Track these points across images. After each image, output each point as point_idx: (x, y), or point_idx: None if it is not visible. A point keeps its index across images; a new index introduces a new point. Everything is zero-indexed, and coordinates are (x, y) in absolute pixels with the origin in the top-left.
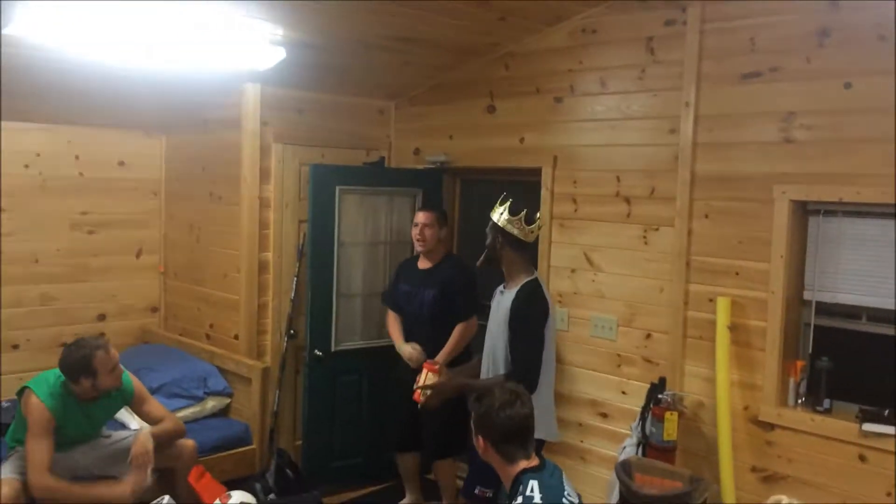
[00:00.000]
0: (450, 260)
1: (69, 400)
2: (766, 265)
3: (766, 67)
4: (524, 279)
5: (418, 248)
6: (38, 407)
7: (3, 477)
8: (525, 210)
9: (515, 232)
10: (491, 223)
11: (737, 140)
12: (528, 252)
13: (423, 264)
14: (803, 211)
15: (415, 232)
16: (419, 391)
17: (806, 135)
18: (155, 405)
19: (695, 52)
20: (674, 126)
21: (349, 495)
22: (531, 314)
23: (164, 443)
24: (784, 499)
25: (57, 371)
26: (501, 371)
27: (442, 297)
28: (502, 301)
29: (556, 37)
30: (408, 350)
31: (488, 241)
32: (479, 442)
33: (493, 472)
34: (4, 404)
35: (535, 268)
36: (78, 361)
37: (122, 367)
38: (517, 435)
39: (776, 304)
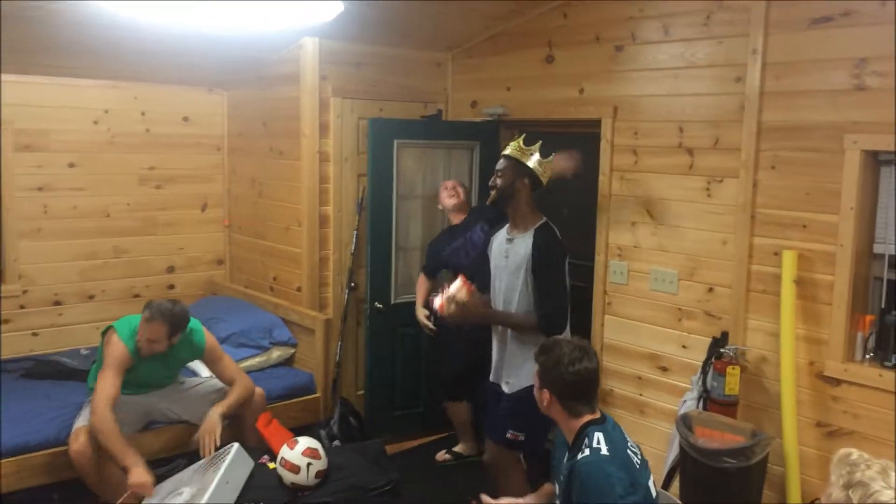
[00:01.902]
0: (474, 212)
1: None
2: (834, 217)
3: (838, 12)
4: (536, 222)
5: (448, 204)
6: (117, 345)
7: (83, 424)
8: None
9: (543, 175)
10: (513, 162)
11: (806, 88)
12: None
13: (455, 220)
14: (875, 161)
15: (444, 194)
16: (445, 301)
17: (879, 81)
18: (228, 365)
19: None
20: (740, 74)
21: (410, 444)
22: (557, 259)
23: (234, 411)
24: (854, 452)
25: (140, 316)
26: None
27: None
28: (516, 246)
29: None
30: (422, 315)
31: (503, 181)
32: (545, 395)
33: (525, 417)
34: (83, 351)
35: None
36: (146, 305)
37: (159, 348)
38: (585, 390)
39: (845, 257)
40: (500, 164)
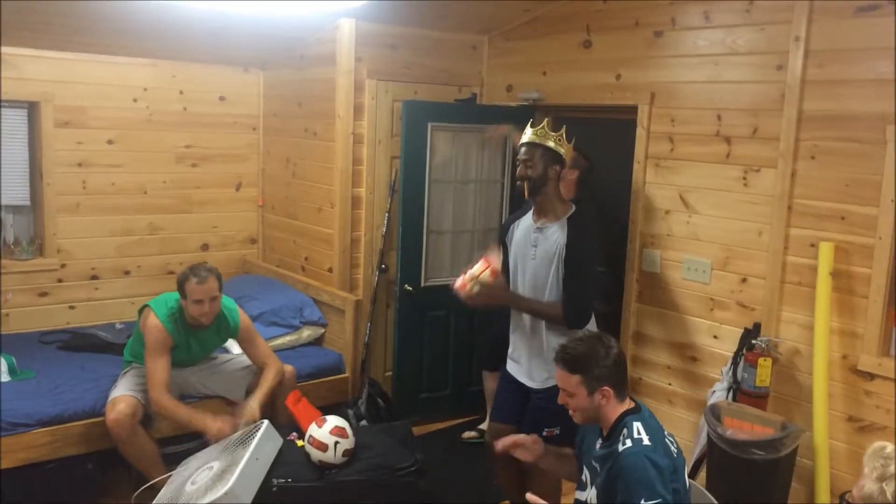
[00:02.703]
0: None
1: (184, 324)
2: (874, 210)
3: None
4: (568, 210)
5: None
6: (156, 327)
7: (120, 394)
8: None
9: (567, 158)
10: (541, 149)
11: (849, 77)
12: None
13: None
14: None
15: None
16: (468, 282)
17: None
18: (260, 347)
19: None
20: (781, 62)
21: (437, 426)
22: (592, 252)
23: (270, 397)
24: (889, 445)
25: (176, 295)
26: None
27: None
28: (546, 235)
29: None
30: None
31: (535, 171)
32: (604, 393)
33: (555, 412)
34: (118, 325)
35: None
36: (180, 279)
37: (217, 305)
38: (624, 370)
39: (883, 250)
40: (526, 152)
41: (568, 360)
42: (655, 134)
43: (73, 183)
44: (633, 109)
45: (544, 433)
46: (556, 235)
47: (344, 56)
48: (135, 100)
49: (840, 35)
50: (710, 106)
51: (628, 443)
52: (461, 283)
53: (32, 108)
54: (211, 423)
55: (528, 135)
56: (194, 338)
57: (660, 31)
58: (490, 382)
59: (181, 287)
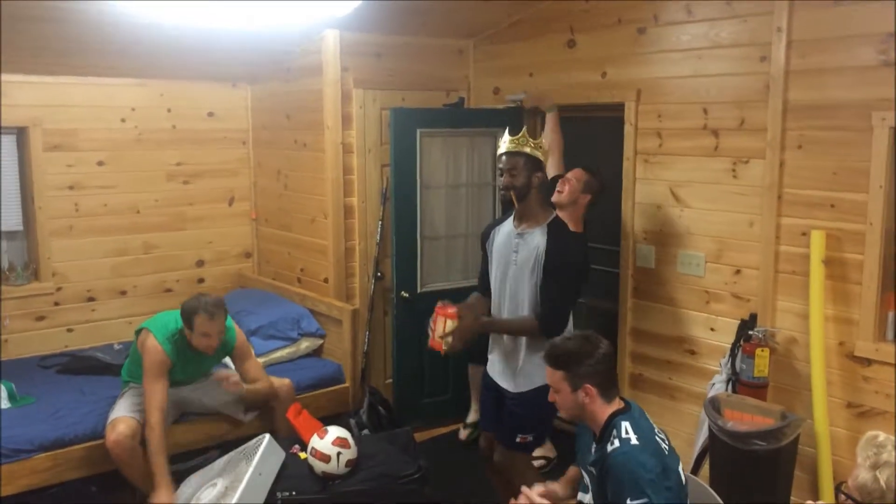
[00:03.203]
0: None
1: (183, 345)
2: (863, 196)
3: None
4: (547, 217)
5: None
6: (155, 349)
7: (119, 416)
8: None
9: (545, 161)
10: (523, 158)
11: (832, 65)
12: None
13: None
14: None
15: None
16: (440, 342)
17: None
18: (253, 365)
19: None
20: (764, 53)
21: (439, 431)
22: (570, 259)
23: (251, 399)
24: (881, 434)
25: (175, 315)
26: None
27: None
28: (527, 241)
29: None
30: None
31: (519, 180)
32: (587, 391)
33: (532, 418)
34: (116, 346)
35: None
36: (187, 311)
37: (217, 339)
38: (612, 371)
39: (874, 236)
40: (509, 161)
41: (553, 356)
42: (643, 130)
43: (65, 206)
44: (620, 107)
45: (518, 439)
46: (536, 241)
47: (330, 67)
48: (123, 120)
49: (821, 24)
50: (697, 100)
51: (616, 443)
52: (435, 345)
53: (21, 134)
54: (160, 495)
55: (508, 143)
56: (193, 358)
57: (643, 27)
58: (475, 374)
59: (188, 319)
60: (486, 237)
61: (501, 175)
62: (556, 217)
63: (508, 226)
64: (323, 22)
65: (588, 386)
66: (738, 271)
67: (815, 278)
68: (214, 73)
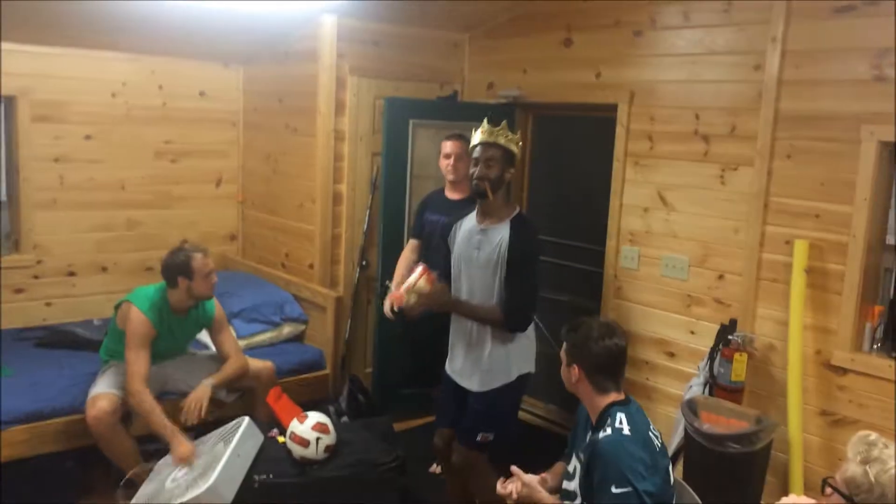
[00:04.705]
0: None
1: (166, 312)
2: (848, 208)
3: (861, 0)
4: (512, 212)
5: (450, 177)
6: (138, 318)
7: (101, 391)
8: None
9: (517, 157)
10: (501, 150)
11: (825, 77)
12: None
13: (453, 195)
14: (890, 152)
15: (447, 163)
16: (405, 292)
17: None
18: (228, 339)
19: None
20: (758, 62)
21: (417, 422)
22: (535, 252)
23: (225, 385)
24: (873, 434)
25: (155, 285)
26: None
27: None
28: (490, 236)
29: None
30: (388, 304)
31: (494, 171)
32: (574, 371)
33: (495, 417)
34: (96, 322)
35: None
36: (179, 262)
37: (215, 277)
38: (613, 366)
39: (857, 247)
40: (486, 151)
41: (567, 327)
42: (635, 132)
43: (50, 178)
44: (613, 108)
45: (479, 437)
46: (499, 237)
47: (326, 52)
48: (113, 95)
49: (817, 36)
50: (689, 105)
51: (608, 430)
52: (398, 294)
53: (9, 103)
54: (180, 443)
55: (486, 133)
56: (176, 326)
57: (640, 30)
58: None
59: (185, 268)
60: (447, 231)
61: (476, 165)
62: (520, 212)
63: (471, 221)
64: (321, 7)
65: (576, 367)
66: (720, 276)
67: (796, 287)
68: (207, 53)
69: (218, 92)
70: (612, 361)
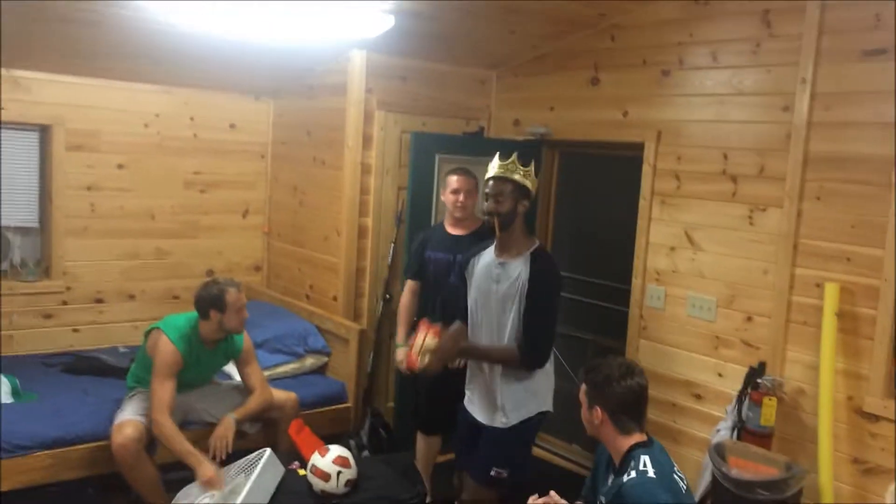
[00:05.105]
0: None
1: (195, 342)
2: (880, 251)
3: (891, 44)
4: (531, 246)
5: (457, 214)
6: (167, 348)
7: (127, 418)
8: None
9: (532, 192)
10: (512, 185)
11: (855, 119)
12: None
13: (455, 230)
14: None
15: (454, 199)
16: (416, 355)
17: None
18: (255, 371)
19: (814, 26)
20: (787, 103)
21: (439, 458)
22: (554, 288)
23: (250, 419)
24: None
25: (186, 315)
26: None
27: None
28: (509, 271)
29: (666, 8)
30: (401, 354)
31: (505, 206)
32: (597, 413)
33: (510, 452)
34: (122, 349)
35: None
36: (213, 295)
37: (246, 312)
38: (636, 406)
39: (889, 291)
40: (496, 187)
41: (586, 368)
42: (662, 171)
43: (82, 206)
44: (640, 146)
45: (492, 473)
46: (518, 271)
47: (355, 87)
48: (146, 125)
49: (847, 78)
50: (717, 145)
51: (633, 474)
52: (412, 359)
53: (44, 131)
54: (206, 468)
55: (497, 168)
56: (204, 357)
57: (667, 70)
58: (424, 446)
59: (218, 301)
60: (465, 265)
61: (487, 200)
62: (540, 245)
63: (489, 255)
64: (351, 42)
65: (598, 409)
66: (749, 318)
67: (826, 331)
68: (239, 85)
69: (248, 124)
70: (634, 400)
